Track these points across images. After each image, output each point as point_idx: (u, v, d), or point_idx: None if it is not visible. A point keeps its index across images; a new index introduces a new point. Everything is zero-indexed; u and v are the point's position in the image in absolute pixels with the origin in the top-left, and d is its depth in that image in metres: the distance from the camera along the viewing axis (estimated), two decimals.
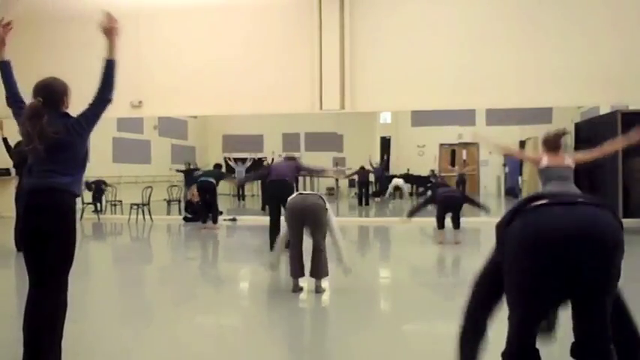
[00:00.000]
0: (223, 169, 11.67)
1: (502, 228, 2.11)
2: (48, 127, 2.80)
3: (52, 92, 2.92)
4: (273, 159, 14.08)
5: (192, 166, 15.87)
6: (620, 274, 2.02)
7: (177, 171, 15.80)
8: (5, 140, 7.56)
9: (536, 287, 1.99)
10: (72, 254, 2.96)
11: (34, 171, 2.93)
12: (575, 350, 2.07)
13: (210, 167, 10.99)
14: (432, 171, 18.76)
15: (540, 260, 1.95)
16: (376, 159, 19.06)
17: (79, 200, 12.66)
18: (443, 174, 18.44)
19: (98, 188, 13.12)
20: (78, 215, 9.80)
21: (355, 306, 4.80)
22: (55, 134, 2.82)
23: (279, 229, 7.49)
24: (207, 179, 10.35)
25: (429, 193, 8.91)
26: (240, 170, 16.76)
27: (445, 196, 8.35)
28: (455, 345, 2.33)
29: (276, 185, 7.43)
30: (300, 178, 14.72)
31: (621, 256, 2.00)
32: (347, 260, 5.20)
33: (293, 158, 8.63)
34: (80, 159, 2.98)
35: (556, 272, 1.95)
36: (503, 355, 2.12)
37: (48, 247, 2.88)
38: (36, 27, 11.64)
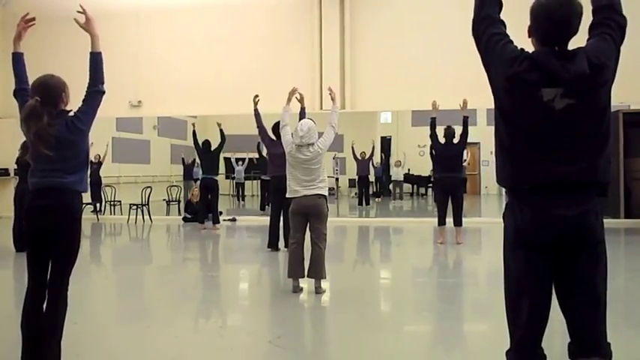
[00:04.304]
0: (222, 166, 11.21)
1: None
2: (48, 128, 2.77)
3: (49, 90, 2.88)
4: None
5: (195, 160, 15.77)
6: (606, 269, 2.02)
7: (182, 161, 15.72)
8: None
9: (527, 286, 2.01)
10: (76, 254, 2.95)
11: (38, 170, 2.90)
12: (571, 350, 2.06)
13: (206, 157, 10.45)
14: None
15: (523, 259, 2.01)
16: (377, 158, 18.97)
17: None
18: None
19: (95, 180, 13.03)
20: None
21: (355, 306, 4.78)
22: (56, 134, 2.80)
23: (279, 227, 7.47)
24: (209, 176, 10.21)
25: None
26: (240, 170, 16.73)
27: (443, 177, 7.95)
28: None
29: (278, 180, 7.34)
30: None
31: (603, 251, 2.02)
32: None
33: None
34: (83, 156, 2.97)
35: (541, 271, 2.00)
36: (508, 354, 2.10)
37: (54, 247, 2.87)
38: (36, 27, 11.62)
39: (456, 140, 7.97)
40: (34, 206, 2.90)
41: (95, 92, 2.95)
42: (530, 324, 2.03)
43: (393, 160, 18.79)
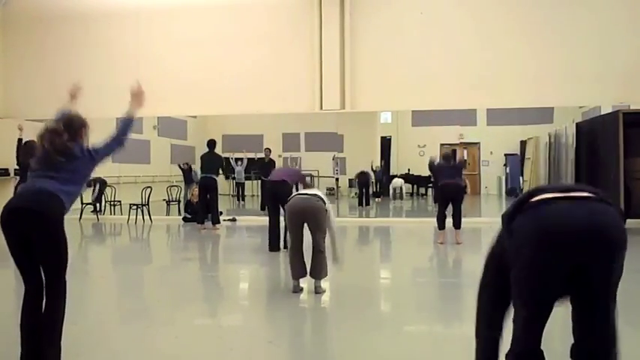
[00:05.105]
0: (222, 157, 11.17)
1: (506, 220, 2.09)
2: (62, 144, 2.98)
3: (72, 121, 3.13)
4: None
5: (191, 165, 15.76)
6: (622, 272, 2.00)
7: (179, 166, 15.72)
8: (20, 141, 7.63)
9: (541, 284, 1.97)
10: (65, 256, 2.93)
11: (32, 177, 2.97)
12: (574, 352, 2.05)
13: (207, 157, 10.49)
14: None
15: (546, 256, 1.94)
16: (377, 162, 19.07)
17: (78, 200, 12.69)
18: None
19: (99, 186, 13.04)
20: (77, 215, 9.69)
21: (355, 306, 4.78)
22: (66, 147, 2.98)
23: (279, 230, 7.48)
24: (208, 175, 10.18)
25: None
26: (239, 170, 16.72)
27: (445, 184, 8.14)
28: (469, 350, 2.31)
29: (275, 185, 7.41)
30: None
31: (624, 255, 1.98)
32: (341, 257, 5.27)
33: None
34: (82, 175, 3.08)
35: (562, 268, 1.94)
36: (508, 356, 2.09)
37: (41, 252, 2.87)
38: (36, 26, 11.63)
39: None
40: (14, 208, 2.89)
41: (117, 140, 3.19)
42: (538, 330, 2.04)
43: (392, 163, 18.87)
